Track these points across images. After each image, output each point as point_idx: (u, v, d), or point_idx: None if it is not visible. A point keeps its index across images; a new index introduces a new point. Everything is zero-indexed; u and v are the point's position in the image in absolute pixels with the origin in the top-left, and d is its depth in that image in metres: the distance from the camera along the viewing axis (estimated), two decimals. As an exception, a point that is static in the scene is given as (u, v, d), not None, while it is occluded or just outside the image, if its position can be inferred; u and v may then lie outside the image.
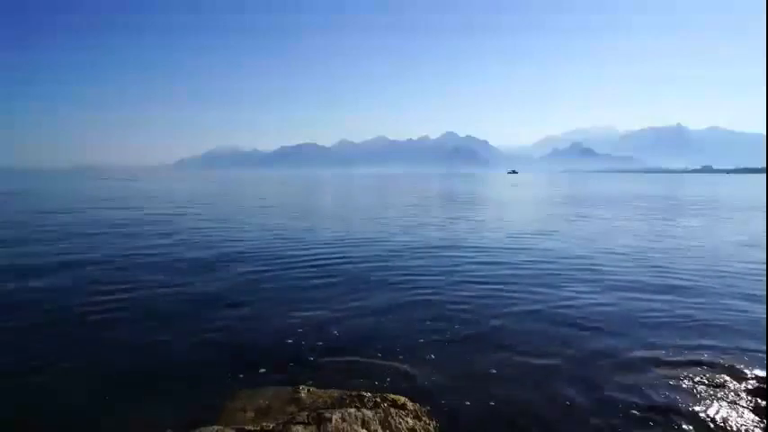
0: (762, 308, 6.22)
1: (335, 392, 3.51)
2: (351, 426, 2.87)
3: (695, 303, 6.47)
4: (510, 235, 13.37)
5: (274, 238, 12.35)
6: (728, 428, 3.38)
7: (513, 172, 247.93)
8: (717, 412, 3.57)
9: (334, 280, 7.74)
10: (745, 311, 6.11)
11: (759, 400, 3.70)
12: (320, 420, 2.89)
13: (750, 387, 3.94)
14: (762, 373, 4.22)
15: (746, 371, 4.28)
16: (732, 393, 3.85)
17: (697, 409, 3.63)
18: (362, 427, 2.89)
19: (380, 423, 2.99)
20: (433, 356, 4.63)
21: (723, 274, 8.38)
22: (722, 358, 4.58)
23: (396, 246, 11.27)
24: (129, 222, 15.67)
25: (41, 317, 5.76)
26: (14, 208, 21.74)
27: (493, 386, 4.04)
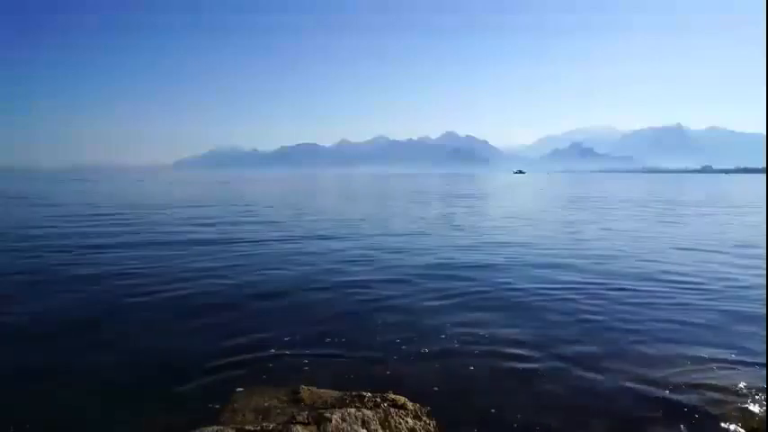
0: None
1: (335, 392, 3.52)
2: (351, 426, 2.87)
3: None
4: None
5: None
6: (727, 428, 3.38)
7: (520, 172, 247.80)
8: (715, 413, 3.57)
9: (335, 280, 7.75)
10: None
11: (758, 401, 3.70)
12: (320, 420, 2.89)
13: (749, 387, 3.94)
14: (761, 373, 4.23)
15: (745, 370, 4.30)
16: (731, 393, 3.86)
17: (693, 409, 3.64)
18: (362, 427, 2.89)
19: (380, 423, 2.99)
20: (433, 357, 4.64)
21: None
22: (719, 357, 4.60)
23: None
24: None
25: (40, 316, 5.77)
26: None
27: (493, 386, 4.05)
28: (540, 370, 4.38)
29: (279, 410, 3.33)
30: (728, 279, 7.89)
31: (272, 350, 4.74)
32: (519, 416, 3.57)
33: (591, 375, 4.25)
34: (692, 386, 3.99)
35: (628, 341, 5.07)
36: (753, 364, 4.44)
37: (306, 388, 3.56)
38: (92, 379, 4.17)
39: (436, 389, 3.95)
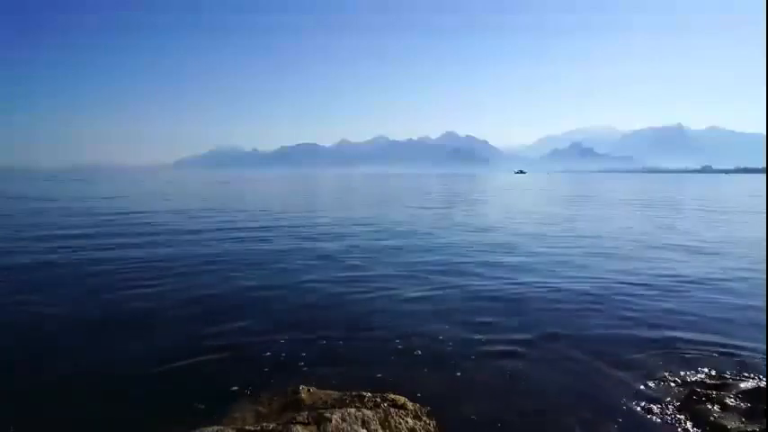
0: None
1: (335, 392, 3.52)
2: (351, 426, 2.87)
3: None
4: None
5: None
6: (726, 429, 3.38)
7: (521, 172, 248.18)
8: (714, 413, 3.57)
9: (336, 280, 7.75)
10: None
11: (758, 402, 3.70)
12: (320, 420, 2.89)
13: (749, 387, 3.94)
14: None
15: (744, 370, 4.30)
16: (730, 393, 3.85)
17: (693, 409, 3.63)
18: (362, 427, 2.89)
19: (380, 423, 2.99)
20: (433, 357, 4.64)
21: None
22: (720, 357, 4.60)
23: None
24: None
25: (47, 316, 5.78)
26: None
27: (494, 386, 4.05)
28: (542, 367, 4.38)
29: (279, 410, 3.34)
30: None
31: (272, 350, 4.75)
32: (520, 415, 3.57)
33: (595, 372, 4.25)
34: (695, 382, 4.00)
35: (639, 337, 5.08)
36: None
37: (306, 388, 3.56)
38: (91, 379, 4.17)
39: (436, 389, 3.95)
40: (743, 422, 3.41)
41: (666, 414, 3.59)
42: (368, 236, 12.98)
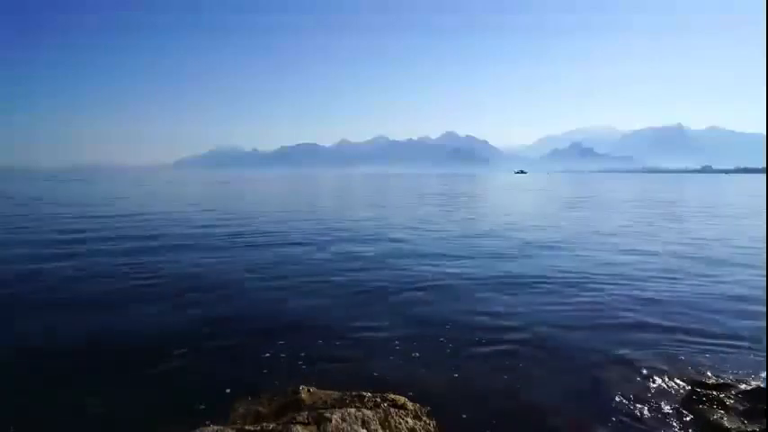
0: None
1: (335, 392, 3.51)
2: (351, 426, 2.87)
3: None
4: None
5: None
6: (726, 429, 3.38)
7: (522, 172, 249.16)
8: (714, 413, 3.57)
9: (335, 280, 7.75)
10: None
11: (758, 402, 3.70)
12: (320, 420, 2.89)
13: (749, 387, 3.94)
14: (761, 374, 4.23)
15: (744, 370, 4.30)
16: (730, 393, 3.85)
17: (693, 409, 3.63)
18: (362, 427, 2.89)
19: (380, 423, 2.99)
20: (433, 357, 4.64)
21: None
22: (719, 356, 4.60)
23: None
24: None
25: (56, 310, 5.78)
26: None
27: (493, 386, 4.05)
28: (541, 366, 4.38)
29: (279, 410, 3.33)
30: None
31: (272, 350, 4.75)
32: (520, 414, 3.57)
33: (595, 371, 4.25)
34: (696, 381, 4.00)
35: (639, 336, 5.08)
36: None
37: (306, 388, 3.55)
38: (91, 379, 4.17)
39: (436, 389, 3.95)
40: (743, 422, 3.41)
41: (666, 414, 3.59)
42: (367, 236, 12.98)
